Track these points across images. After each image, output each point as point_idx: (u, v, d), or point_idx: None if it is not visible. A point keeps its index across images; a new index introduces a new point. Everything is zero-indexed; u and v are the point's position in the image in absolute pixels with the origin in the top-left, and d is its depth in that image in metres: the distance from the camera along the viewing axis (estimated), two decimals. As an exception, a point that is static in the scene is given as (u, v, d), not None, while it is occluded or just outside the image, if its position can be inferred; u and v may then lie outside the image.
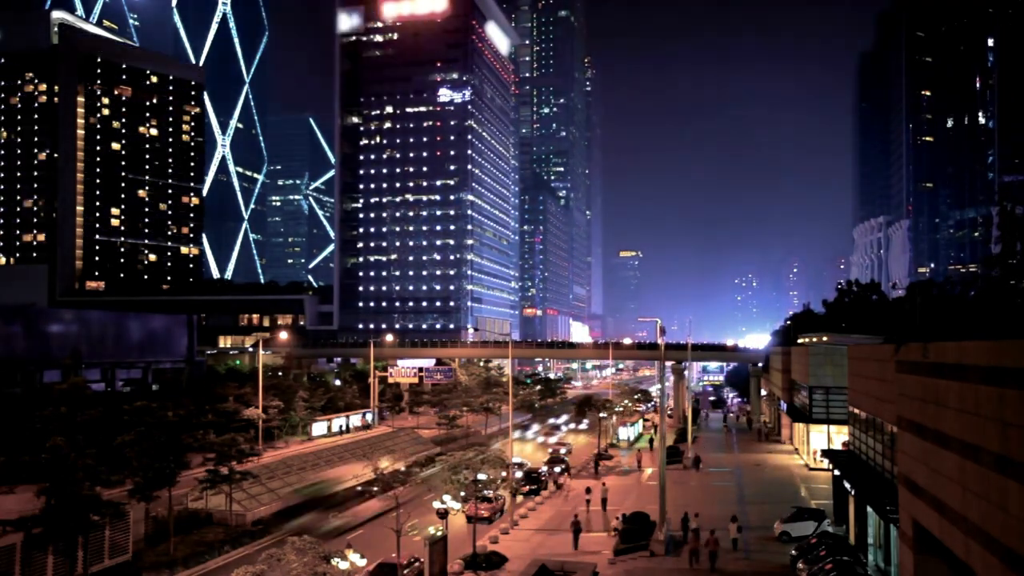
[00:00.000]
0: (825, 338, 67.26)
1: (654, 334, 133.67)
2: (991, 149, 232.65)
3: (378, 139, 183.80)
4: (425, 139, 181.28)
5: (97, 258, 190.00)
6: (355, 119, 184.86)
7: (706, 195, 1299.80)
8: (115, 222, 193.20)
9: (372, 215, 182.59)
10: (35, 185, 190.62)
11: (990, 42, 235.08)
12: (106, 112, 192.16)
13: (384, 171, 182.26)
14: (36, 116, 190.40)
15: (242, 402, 74.79)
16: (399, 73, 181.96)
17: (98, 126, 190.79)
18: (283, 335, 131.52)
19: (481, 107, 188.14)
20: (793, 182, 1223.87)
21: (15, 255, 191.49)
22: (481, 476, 38.46)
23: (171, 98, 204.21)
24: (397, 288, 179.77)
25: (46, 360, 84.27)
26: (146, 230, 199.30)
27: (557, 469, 63.34)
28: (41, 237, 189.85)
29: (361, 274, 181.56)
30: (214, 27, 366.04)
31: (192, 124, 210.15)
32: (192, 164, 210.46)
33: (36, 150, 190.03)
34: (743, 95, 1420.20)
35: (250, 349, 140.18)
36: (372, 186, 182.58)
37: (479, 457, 39.63)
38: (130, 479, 40.51)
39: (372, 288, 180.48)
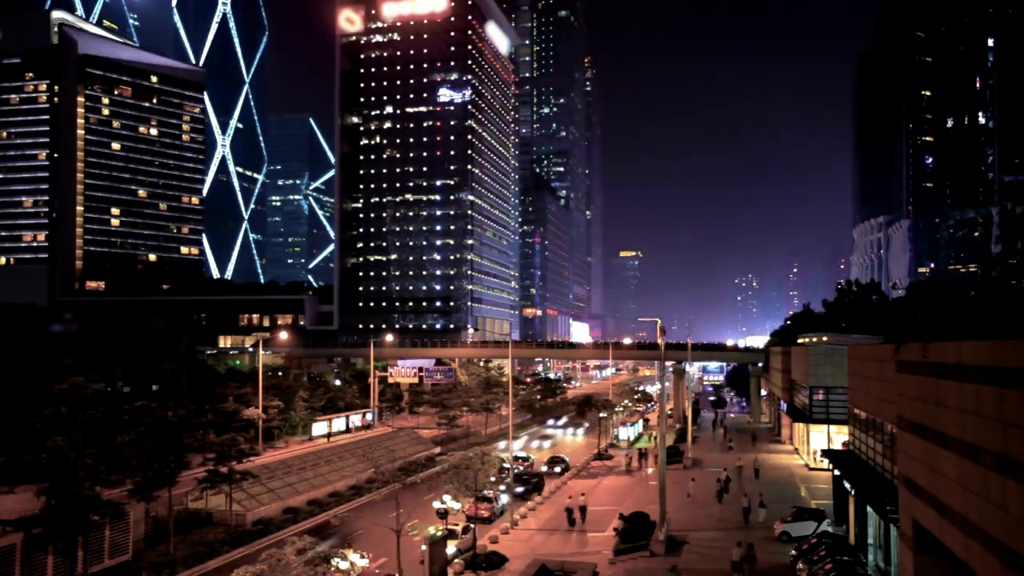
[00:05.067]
0: (825, 338, 67.31)
1: (654, 334, 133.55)
2: (991, 149, 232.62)
3: (378, 139, 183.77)
4: (425, 139, 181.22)
5: (97, 258, 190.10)
6: (355, 119, 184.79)
7: (706, 195, 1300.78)
8: (115, 222, 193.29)
9: (372, 215, 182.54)
10: (35, 185, 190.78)
11: (990, 42, 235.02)
12: (106, 112, 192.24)
13: (384, 171, 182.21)
14: (36, 116, 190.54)
15: (242, 402, 74.80)
16: (399, 73, 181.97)
17: (98, 126, 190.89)
18: (283, 335, 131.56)
19: (481, 107, 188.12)
20: (793, 182, 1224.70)
21: (15, 255, 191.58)
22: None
23: (171, 98, 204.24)
24: (397, 288, 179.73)
25: (46, 360, 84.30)
26: (146, 230, 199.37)
27: (557, 469, 63.43)
28: (41, 237, 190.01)
29: (361, 274, 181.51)
30: (214, 27, 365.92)
31: (192, 124, 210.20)
32: (192, 164, 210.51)
33: (36, 150, 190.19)
34: (743, 95, 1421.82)
35: (250, 349, 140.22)
36: (372, 186, 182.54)
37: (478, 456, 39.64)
38: (130, 479, 40.52)
39: (372, 288, 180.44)
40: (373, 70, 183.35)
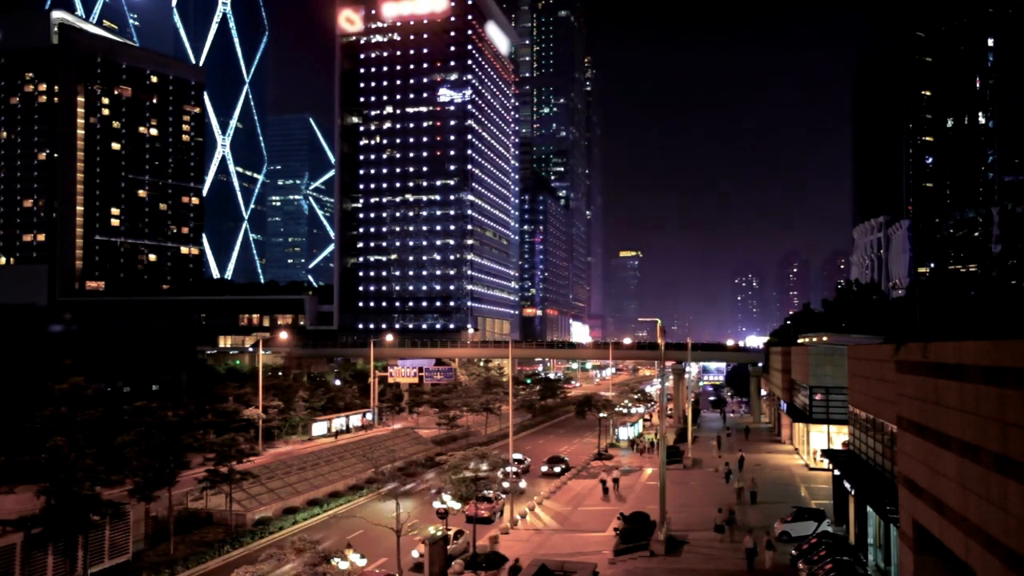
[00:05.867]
0: (825, 338, 67.31)
1: (654, 334, 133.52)
2: (991, 149, 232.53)
3: (378, 139, 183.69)
4: (425, 139, 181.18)
5: (97, 258, 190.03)
6: (355, 119, 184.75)
7: (706, 195, 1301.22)
8: (115, 222, 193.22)
9: (372, 215, 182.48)
10: (35, 185, 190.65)
11: (990, 42, 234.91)
12: (106, 112, 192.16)
13: (384, 171, 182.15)
14: (36, 116, 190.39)
15: (242, 402, 74.87)
16: (399, 73, 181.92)
17: (98, 126, 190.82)
18: (283, 335, 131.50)
19: (481, 107, 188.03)
20: (793, 182, 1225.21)
21: (15, 255, 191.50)
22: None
23: (171, 98, 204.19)
24: (397, 288, 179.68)
25: (46, 360, 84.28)
26: (146, 230, 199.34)
27: (557, 469, 63.48)
28: (41, 237, 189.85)
29: (361, 274, 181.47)
30: (214, 27, 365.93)
31: (192, 124, 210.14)
32: (192, 164, 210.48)
33: (36, 150, 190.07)
34: (743, 95, 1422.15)
35: (250, 349, 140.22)
36: (372, 186, 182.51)
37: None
38: (130, 479, 40.51)
39: (372, 288, 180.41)
40: (373, 70, 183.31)
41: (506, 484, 51.80)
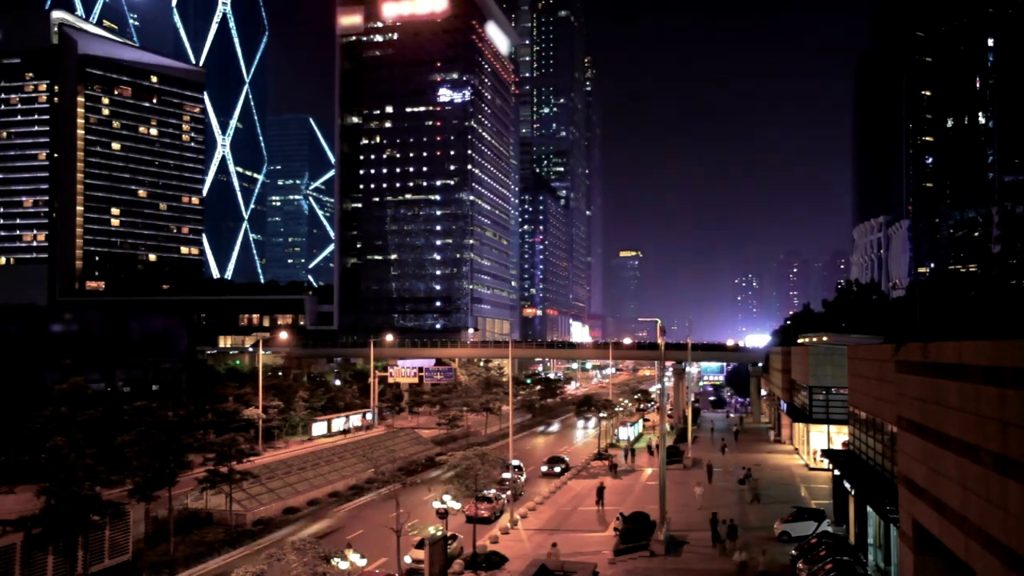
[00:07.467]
0: (825, 338, 67.29)
1: (654, 334, 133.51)
2: (991, 149, 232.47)
3: (378, 139, 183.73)
4: (425, 139, 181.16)
5: (97, 258, 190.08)
6: (355, 119, 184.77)
7: (706, 195, 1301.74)
8: (115, 222, 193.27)
9: (372, 215, 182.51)
10: (35, 185, 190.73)
11: (990, 42, 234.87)
12: (106, 112, 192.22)
13: (384, 171, 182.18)
14: (36, 116, 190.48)
15: (242, 402, 74.91)
16: (399, 73, 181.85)
17: (98, 126, 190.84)
18: (283, 335, 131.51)
19: (481, 107, 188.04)
20: (793, 182, 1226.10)
21: (15, 255, 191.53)
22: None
23: (171, 98, 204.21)
24: (397, 288, 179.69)
25: (46, 360, 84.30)
26: (146, 230, 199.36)
27: (557, 469, 63.47)
28: (41, 237, 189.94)
29: (361, 274, 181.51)
30: (214, 27, 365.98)
31: (192, 124, 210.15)
32: (192, 164, 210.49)
33: (36, 150, 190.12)
34: (743, 95, 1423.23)
35: (250, 349, 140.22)
36: (372, 186, 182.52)
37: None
38: (130, 479, 40.50)
39: (372, 288, 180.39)
40: (373, 70, 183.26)
41: (507, 477, 51.90)
